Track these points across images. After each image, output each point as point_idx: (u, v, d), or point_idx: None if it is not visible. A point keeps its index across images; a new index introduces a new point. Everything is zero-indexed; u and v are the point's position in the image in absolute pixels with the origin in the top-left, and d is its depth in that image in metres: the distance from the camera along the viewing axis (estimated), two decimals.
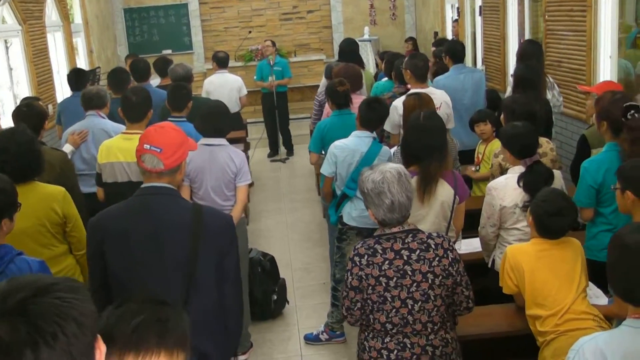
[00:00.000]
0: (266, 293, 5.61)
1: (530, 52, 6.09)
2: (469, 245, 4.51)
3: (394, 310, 3.01)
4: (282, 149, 11.24)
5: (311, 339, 5.31)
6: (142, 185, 2.96)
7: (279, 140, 11.18)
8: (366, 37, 13.15)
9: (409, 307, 3.00)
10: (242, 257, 5.06)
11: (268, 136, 11.37)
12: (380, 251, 3.02)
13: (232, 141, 8.18)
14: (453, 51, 6.66)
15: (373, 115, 4.81)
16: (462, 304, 3.15)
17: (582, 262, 3.44)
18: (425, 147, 3.83)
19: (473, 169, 5.75)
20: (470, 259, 4.44)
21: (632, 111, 3.84)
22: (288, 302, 5.84)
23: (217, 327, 3.01)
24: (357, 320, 3.16)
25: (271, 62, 10.72)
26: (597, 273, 3.67)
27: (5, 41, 8.14)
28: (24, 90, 8.34)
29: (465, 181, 5.26)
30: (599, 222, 4.01)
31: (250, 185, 9.69)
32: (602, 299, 3.61)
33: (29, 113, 4.72)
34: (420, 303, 3.00)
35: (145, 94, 4.87)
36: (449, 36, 11.37)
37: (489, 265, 4.15)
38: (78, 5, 11.17)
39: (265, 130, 11.37)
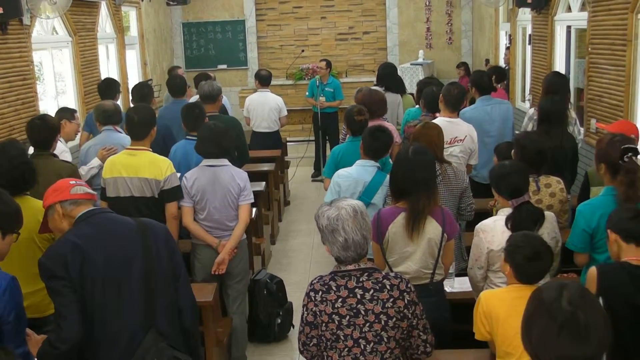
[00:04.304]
0: (270, 316, 5.59)
1: (556, 85, 5.92)
2: (463, 284, 4.38)
3: (346, 349, 2.95)
4: None
5: None
6: (84, 212, 3.15)
7: (321, 160, 11.13)
8: (420, 60, 13.03)
9: (362, 347, 2.93)
10: (243, 277, 5.10)
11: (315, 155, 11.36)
12: (334, 288, 2.97)
13: (266, 160, 8.34)
14: (479, 83, 6.53)
15: (376, 144, 4.76)
16: (419, 348, 3.06)
17: None
18: (412, 182, 3.75)
19: (491, 203, 5.57)
20: (464, 298, 4.32)
21: (630, 154, 3.69)
22: (293, 326, 5.81)
23: (176, 326, 3.19)
24: (313, 357, 3.10)
25: (319, 82, 10.68)
26: None
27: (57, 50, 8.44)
28: (70, 99, 8.61)
29: (485, 215, 5.15)
30: None
31: (287, 204, 9.81)
32: None
33: (42, 126, 4.86)
34: (372, 344, 2.93)
35: (146, 113, 4.97)
36: (501, 63, 11.17)
37: None
38: (135, 18, 11.48)
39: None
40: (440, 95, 5.97)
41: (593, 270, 3.34)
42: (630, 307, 3.17)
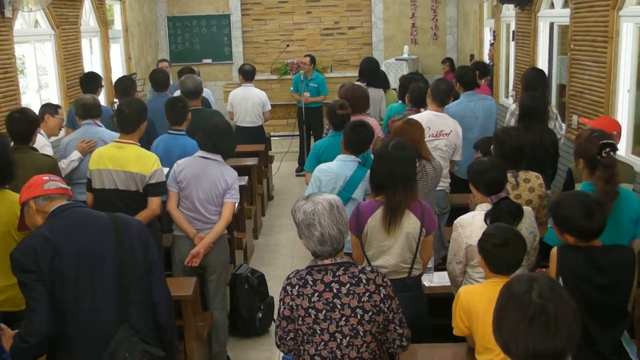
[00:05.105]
0: (251, 310, 5.60)
1: (535, 81, 5.96)
2: (442, 278, 4.40)
3: (322, 343, 2.96)
4: None
5: None
6: (57, 207, 3.14)
7: (305, 155, 11.13)
8: (405, 55, 13.06)
9: (338, 341, 2.95)
10: (223, 271, 5.10)
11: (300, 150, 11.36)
12: (310, 282, 2.98)
13: (249, 154, 8.32)
14: (463, 78, 6.55)
15: (357, 139, 4.77)
16: (395, 342, 3.07)
17: None
18: (391, 176, 3.76)
19: (471, 197, 5.60)
20: (443, 292, 4.34)
21: (608, 149, 3.72)
22: (274, 321, 5.80)
23: (149, 321, 3.19)
24: (290, 350, 3.12)
25: (303, 77, 10.70)
26: None
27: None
28: (53, 93, 8.55)
29: (464, 210, 5.18)
30: None
31: (270, 199, 9.81)
32: None
33: (21, 119, 4.83)
34: (348, 338, 2.94)
35: (137, 107, 4.94)
36: (485, 59, 11.20)
37: None
38: (119, 11, 11.41)
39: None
40: (429, 89, 6.01)
41: (554, 251, 3.48)
42: (586, 285, 3.31)
